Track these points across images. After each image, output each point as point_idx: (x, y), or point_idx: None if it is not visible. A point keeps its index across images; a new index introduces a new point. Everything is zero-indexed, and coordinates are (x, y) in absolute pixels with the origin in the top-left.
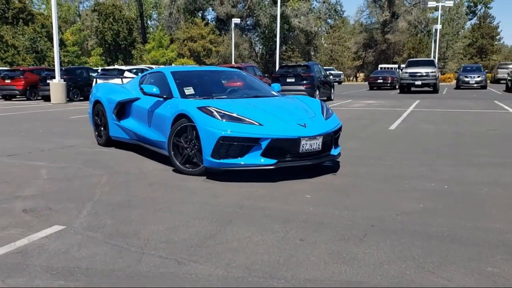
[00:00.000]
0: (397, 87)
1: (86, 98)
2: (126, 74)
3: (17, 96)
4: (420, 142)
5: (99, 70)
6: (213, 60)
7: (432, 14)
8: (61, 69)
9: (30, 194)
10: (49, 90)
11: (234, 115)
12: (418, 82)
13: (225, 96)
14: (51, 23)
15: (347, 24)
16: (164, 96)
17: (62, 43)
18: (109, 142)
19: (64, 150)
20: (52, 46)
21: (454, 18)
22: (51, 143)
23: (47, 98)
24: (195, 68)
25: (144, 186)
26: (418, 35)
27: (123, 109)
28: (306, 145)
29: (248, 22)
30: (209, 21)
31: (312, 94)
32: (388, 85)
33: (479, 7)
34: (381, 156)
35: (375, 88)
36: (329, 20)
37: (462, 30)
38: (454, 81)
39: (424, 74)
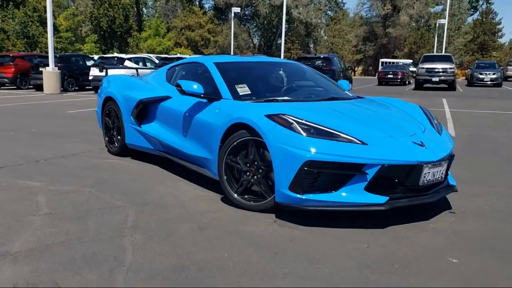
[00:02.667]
0: (407, 83)
1: (82, 89)
2: (127, 63)
3: (6, 85)
4: (507, 154)
5: (95, 58)
6: (211, 51)
7: (433, 8)
8: (55, 56)
9: (22, 250)
10: (41, 78)
11: (324, 128)
12: (436, 79)
13: (292, 98)
14: (44, 7)
15: (347, 17)
16: (209, 97)
17: (55, 29)
18: (124, 151)
19: (66, 161)
20: (45, 31)
21: (456, 13)
22: (47, 149)
23: (39, 88)
24: (242, 58)
25: (194, 234)
26: (420, 30)
27: (145, 110)
28: (429, 175)
29: (246, 12)
30: (207, 10)
31: None
32: (399, 80)
33: (480, 2)
34: (480, 177)
35: (383, 83)
36: (329, 12)
37: (463, 26)
38: (461, 78)
39: (442, 70)
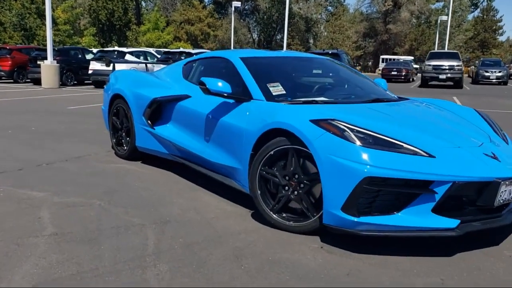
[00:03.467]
0: (411, 80)
1: (81, 83)
2: (128, 57)
3: (3, 78)
4: None
5: (94, 51)
6: (211, 45)
7: (434, 5)
8: (53, 49)
9: None
10: (39, 72)
11: (383, 137)
12: (443, 76)
13: (332, 99)
14: None
15: (347, 13)
16: (237, 97)
17: (53, 21)
18: (133, 154)
19: (70, 165)
20: (42, 23)
21: (457, 10)
22: (49, 150)
23: (37, 81)
24: (269, 53)
25: (230, 264)
26: (421, 26)
27: (159, 110)
28: (505, 193)
29: (246, 7)
30: (207, 4)
31: None
32: (402, 77)
33: None
34: None
35: (386, 80)
36: (329, 8)
37: (464, 23)
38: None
39: (449, 67)
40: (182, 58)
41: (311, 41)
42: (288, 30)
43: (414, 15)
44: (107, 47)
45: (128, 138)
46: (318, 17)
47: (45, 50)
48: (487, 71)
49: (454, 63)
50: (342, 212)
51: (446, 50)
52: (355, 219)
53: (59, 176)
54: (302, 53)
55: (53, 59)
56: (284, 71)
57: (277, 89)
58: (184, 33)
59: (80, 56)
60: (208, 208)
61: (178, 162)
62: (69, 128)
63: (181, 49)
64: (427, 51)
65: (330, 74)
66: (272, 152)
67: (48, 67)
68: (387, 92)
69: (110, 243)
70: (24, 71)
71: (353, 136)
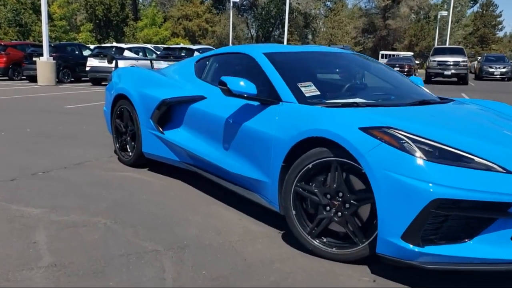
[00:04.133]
0: (414, 76)
1: (78, 80)
2: (126, 53)
3: None
4: None
5: (91, 47)
6: (209, 41)
7: (433, 0)
8: (49, 46)
9: None
10: (35, 69)
11: (451, 148)
12: (448, 72)
13: (373, 101)
14: None
15: (345, 8)
16: (263, 99)
17: (48, 17)
18: (140, 160)
19: (69, 173)
20: (38, 19)
21: (456, 5)
22: (46, 156)
23: (32, 79)
24: (293, 48)
25: None
26: (420, 22)
27: (169, 112)
28: None
29: (244, 2)
30: None
31: None
32: (405, 73)
33: None
34: None
35: None
36: (328, 3)
37: (463, 18)
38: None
39: (454, 63)
40: (182, 54)
41: (310, 37)
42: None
43: (413, 11)
44: (104, 43)
45: (133, 143)
46: (317, 13)
47: (41, 46)
48: (491, 67)
49: (459, 59)
50: (402, 241)
51: (451, 45)
52: (418, 250)
53: (57, 187)
54: (327, 48)
55: (49, 56)
56: (313, 68)
57: (309, 89)
58: (182, 29)
59: (77, 52)
60: (230, 227)
61: (191, 170)
62: (67, 129)
63: (182, 45)
64: (426, 46)
65: (362, 71)
66: (310, 166)
67: (44, 63)
68: (425, 90)
69: (120, 277)
70: (19, 68)
71: (415, 147)
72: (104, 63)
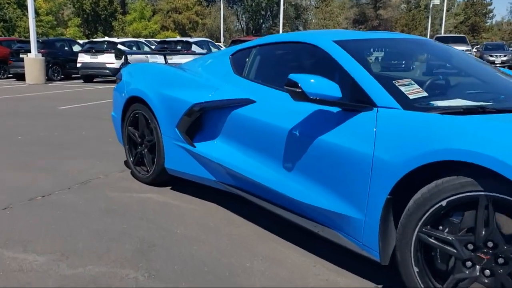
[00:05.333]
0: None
1: (68, 77)
2: (119, 47)
3: None
4: None
5: (80, 42)
6: (199, 34)
7: None
8: (37, 41)
9: None
10: (22, 66)
11: None
12: None
13: (491, 103)
14: None
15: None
16: (350, 104)
17: (34, 11)
18: (160, 178)
19: (75, 197)
20: (23, 14)
21: None
22: (43, 171)
23: (20, 77)
24: (366, 35)
25: None
26: (411, 11)
27: (200, 120)
28: None
29: None
30: None
31: None
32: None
33: None
34: None
35: None
36: None
37: (454, 7)
38: None
39: None
40: (179, 47)
41: (301, 28)
42: (277, 17)
43: (404, 0)
44: (93, 38)
45: (152, 156)
46: (308, 4)
47: (28, 42)
48: (491, 55)
49: (463, 47)
50: None
51: (452, 34)
52: None
53: (63, 219)
54: (397, 33)
55: (38, 52)
56: (401, 61)
57: (412, 88)
58: (171, 22)
59: (66, 48)
60: (306, 278)
61: (231, 192)
62: (64, 135)
63: (178, 38)
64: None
65: (443, 63)
66: (444, 203)
67: (33, 60)
68: None
69: None
70: (5, 65)
71: None
72: (96, 59)
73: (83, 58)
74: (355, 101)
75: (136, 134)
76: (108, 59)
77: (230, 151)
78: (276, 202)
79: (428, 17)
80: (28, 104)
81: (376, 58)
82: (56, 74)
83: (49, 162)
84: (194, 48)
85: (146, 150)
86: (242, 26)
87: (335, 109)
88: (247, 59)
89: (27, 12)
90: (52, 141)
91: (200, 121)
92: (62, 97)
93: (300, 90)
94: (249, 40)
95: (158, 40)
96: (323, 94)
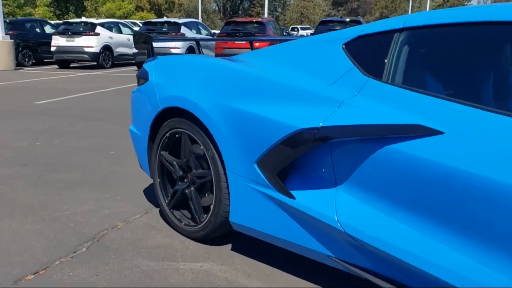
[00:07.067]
0: None
1: (41, 62)
2: (98, 29)
3: None
4: None
5: (52, 23)
6: (176, 15)
7: None
8: (4, 22)
9: None
10: None
11: None
12: None
13: None
14: None
15: None
16: None
17: None
18: (216, 233)
19: (84, 272)
20: None
21: None
22: (28, 215)
23: None
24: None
25: None
26: None
27: (307, 155)
28: None
29: None
30: None
31: None
32: None
33: None
34: None
35: None
36: None
37: None
38: None
39: None
40: (165, 30)
41: (279, 10)
42: None
43: None
44: (64, 18)
45: (205, 200)
46: None
47: None
48: None
49: None
50: None
51: None
52: None
53: None
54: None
55: (5, 34)
56: None
57: None
58: (146, 2)
59: (38, 29)
60: None
61: (359, 276)
62: (49, 146)
63: (166, 19)
64: None
65: None
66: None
67: (0, 44)
68: None
69: None
70: None
71: None
72: (72, 42)
73: (58, 41)
74: None
75: (175, 163)
76: (86, 42)
77: (377, 217)
78: None
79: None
80: None
81: None
82: (27, 59)
83: (34, 197)
84: (184, 30)
85: (193, 189)
86: (219, 7)
87: None
88: (388, 52)
89: None
90: (35, 157)
91: (307, 157)
92: (37, 88)
93: None
94: (246, 21)
95: (144, 21)
96: None
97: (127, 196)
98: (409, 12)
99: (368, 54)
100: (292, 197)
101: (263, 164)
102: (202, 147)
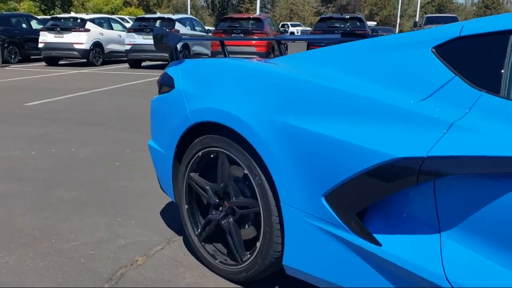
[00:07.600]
0: None
1: (27, 59)
2: (88, 25)
3: None
4: None
5: (38, 18)
6: (165, 11)
7: None
8: None
9: None
10: None
11: None
12: None
13: None
14: None
15: None
16: None
17: None
18: (262, 275)
19: None
20: None
21: None
22: (25, 252)
23: None
24: None
25: None
26: None
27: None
28: None
29: None
30: None
31: None
32: None
33: None
34: None
35: None
36: None
37: None
38: None
39: None
40: (158, 25)
41: (269, 6)
42: None
43: None
44: (50, 14)
45: (244, 230)
46: None
47: None
48: None
49: None
50: None
51: (444, 14)
52: None
53: None
54: None
55: None
56: None
57: None
58: None
59: (24, 25)
60: None
61: None
62: (45, 157)
63: (159, 15)
64: (387, 16)
65: None
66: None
67: None
68: None
69: None
70: None
71: None
72: (61, 38)
73: (46, 37)
74: None
75: (208, 188)
76: (76, 39)
77: (503, 274)
78: None
79: None
80: None
81: None
82: (13, 56)
83: (32, 224)
84: (178, 26)
85: (232, 220)
86: (208, 3)
87: None
88: (505, 59)
89: None
90: (30, 172)
91: (398, 193)
92: (26, 87)
93: None
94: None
95: (137, 16)
96: None
97: (142, 220)
98: (399, 10)
99: (472, 61)
100: (377, 243)
101: (335, 199)
102: (246, 171)
